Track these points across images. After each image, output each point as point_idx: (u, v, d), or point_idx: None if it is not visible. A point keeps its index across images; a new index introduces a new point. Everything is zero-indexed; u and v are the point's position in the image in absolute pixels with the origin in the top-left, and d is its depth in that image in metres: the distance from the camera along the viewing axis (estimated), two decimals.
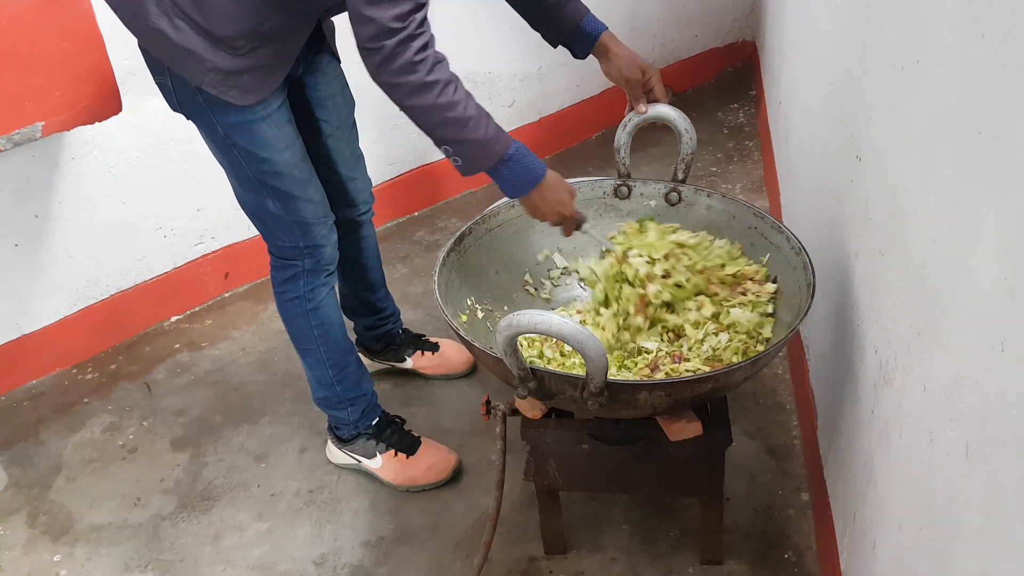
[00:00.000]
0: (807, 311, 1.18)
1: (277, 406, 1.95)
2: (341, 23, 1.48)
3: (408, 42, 1.12)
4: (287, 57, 1.33)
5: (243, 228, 2.30)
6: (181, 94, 1.32)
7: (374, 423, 1.70)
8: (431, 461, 1.68)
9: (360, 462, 1.71)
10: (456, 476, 1.70)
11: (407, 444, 1.70)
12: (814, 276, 1.24)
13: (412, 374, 1.97)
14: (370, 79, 1.19)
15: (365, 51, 1.15)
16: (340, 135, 1.58)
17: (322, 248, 1.51)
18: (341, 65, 1.55)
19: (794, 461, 1.66)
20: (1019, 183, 0.69)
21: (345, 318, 1.72)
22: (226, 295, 2.34)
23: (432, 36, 1.17)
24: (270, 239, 1.51)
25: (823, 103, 1.66)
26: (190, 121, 1.38)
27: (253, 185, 1.42)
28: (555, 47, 1.48)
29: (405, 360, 1.94)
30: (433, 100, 1.15)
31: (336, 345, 1.61)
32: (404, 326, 1.96)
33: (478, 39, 2.53)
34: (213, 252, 2.29)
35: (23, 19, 1.55)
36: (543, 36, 1.47)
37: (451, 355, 1.95)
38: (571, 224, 1.34)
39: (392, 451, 1.69)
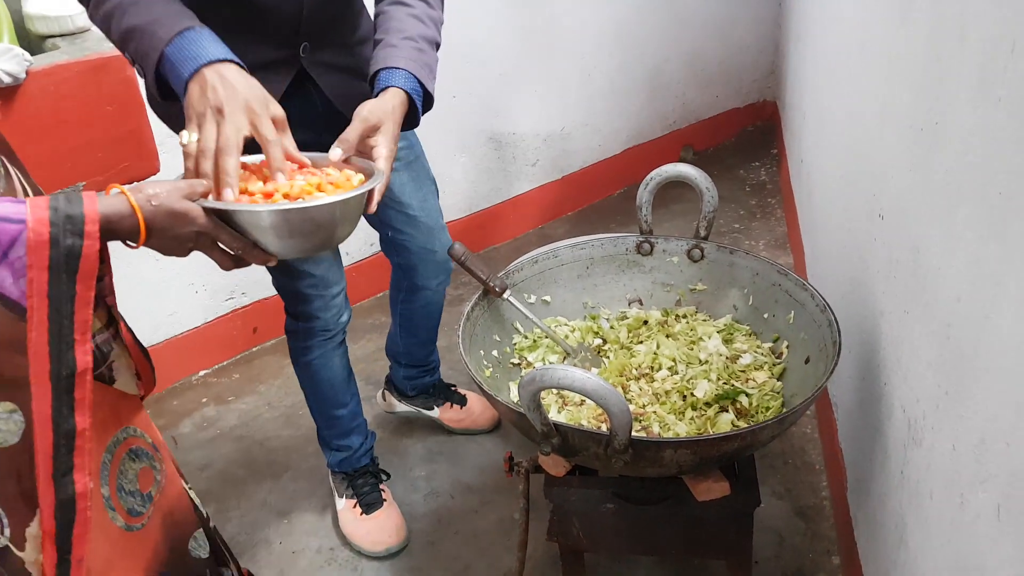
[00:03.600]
0: (833, 369, 1.17)
1: (300, 461, 1.96)
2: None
3: None
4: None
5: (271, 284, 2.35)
6: None
7: (355, 469, 1.72)
8: (372, 529, 1.67)
9: (334, 494, 1.77)
10: (391, 555, 1.66)
11: (368, 502, 1.70)
12: (839, 334, 1.23)
13: (436, 425, 1.97)
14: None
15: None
16: (411, 212, 1.52)
17: (316, 318, 1.50)
18: (415, 139, 1.48)
19: (824, 523, 1.62)
20: None
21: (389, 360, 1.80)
22: (254, 349, 2.37)
23: None
24: (277, 291, 1.55)
25: (844, 162, 1.68)
26: None
27: None
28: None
29: (433, 409, 1.95)
30: (98, 19, 1.01)
31: (323, 401, 1.64)
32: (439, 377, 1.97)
33: (504, 102, 2.60)
34: (243, 307, 2.33)
35: (70, 84, 1.63)
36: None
37: (477, 410, 1.95)
38: (242, 119, 0.91)
39: (355, 501, 1.71)
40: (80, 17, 1.58)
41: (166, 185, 0.85)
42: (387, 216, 1.55)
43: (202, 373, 2.30)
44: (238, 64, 0.95)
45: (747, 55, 3.12)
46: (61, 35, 1.56)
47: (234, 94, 0.90)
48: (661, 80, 2.94)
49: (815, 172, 2.11)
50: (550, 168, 2.82)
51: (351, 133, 1.06)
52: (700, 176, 1.47)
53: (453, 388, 1.97)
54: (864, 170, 1.46)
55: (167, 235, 0.86)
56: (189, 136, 0.91)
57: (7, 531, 0.81)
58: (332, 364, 1.61)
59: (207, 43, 0.93)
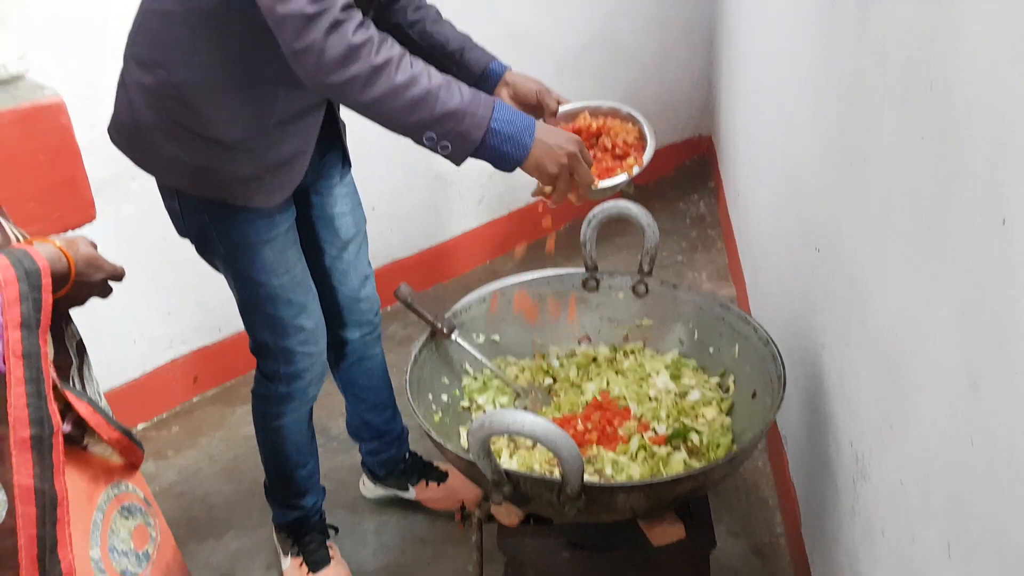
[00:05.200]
0: (779, 404, 1.18)
1: (243, 518, 1.87)
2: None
3: (338, 27, 0.99)
4: (304, 147, 1.28)
5: (213, 330, 2.27)
6: (188, 217, 1.31)
7: (302, 526, 1.65)
8: None
9: (279, 552, 1.69)
10: None
11: (315, 560, 1.62)
12: (784, 367, 1.24)
13: (416, 506, 1.80)
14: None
15: (297, 58, 1.01)
16: (346, 256, 1.51)
17: (300, 379, 1.46)
18: (352, 173, 1.51)
19: (780, 560, 1.61)
20: (968, 277, 0.71)
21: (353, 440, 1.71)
22: (194, 400, 2.29)
23: (367, 20, 1.04)
24: (257, 356, 1.48)
25: (779, 195, 1.71)
26: (196, 243, 1.36)
27: (247, 309, 1.40)
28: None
29: (408, 489, 1.78)
30: (391, 82, 1.02)
31: (284, 462, 1.57)
32: (411, 450, 1.80)
33: None
34: (182, 356, 2.24)
35: (4, 131, 1.56)
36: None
37: (459, 488, 1.75)
38: (581, 168, 1.15)
39: (300, 559, 1.63)
40: (13, 64, 1.51)
41: (73, 238, 0.91)
42: (324, 255, 1.50)
43: (140, 427, 2.20)
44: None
45: (681, 92, 3.19)
46: None
47: (567, 144, 1.14)
48: None
49: (752, 205, 2.16)
50: (496, 204, 2.83)
51: (555, 96, 1.36)
52: (641, 213, 1.49)
53: (433, 465, 1.79)
54: (798, 203, 1.49)
55: (83, 280, 0.90)
56: (546, 188, 1.18)
57: None
58: (301, 427, 1.55)
59: (513, 111, 1.11)
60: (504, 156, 1.10)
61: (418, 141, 1.09)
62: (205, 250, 1.37)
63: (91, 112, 1.86)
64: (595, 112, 1.38)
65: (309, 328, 1.42)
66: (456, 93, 1.06)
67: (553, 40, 2.71)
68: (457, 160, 1.11)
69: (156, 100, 1.21)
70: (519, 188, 2.88)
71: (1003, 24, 0.64)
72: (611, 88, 2.97)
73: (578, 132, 1.35)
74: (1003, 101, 0.64)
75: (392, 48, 1.04)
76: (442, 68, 1.34)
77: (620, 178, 1.26)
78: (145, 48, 1.22)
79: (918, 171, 0.84)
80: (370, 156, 2.19)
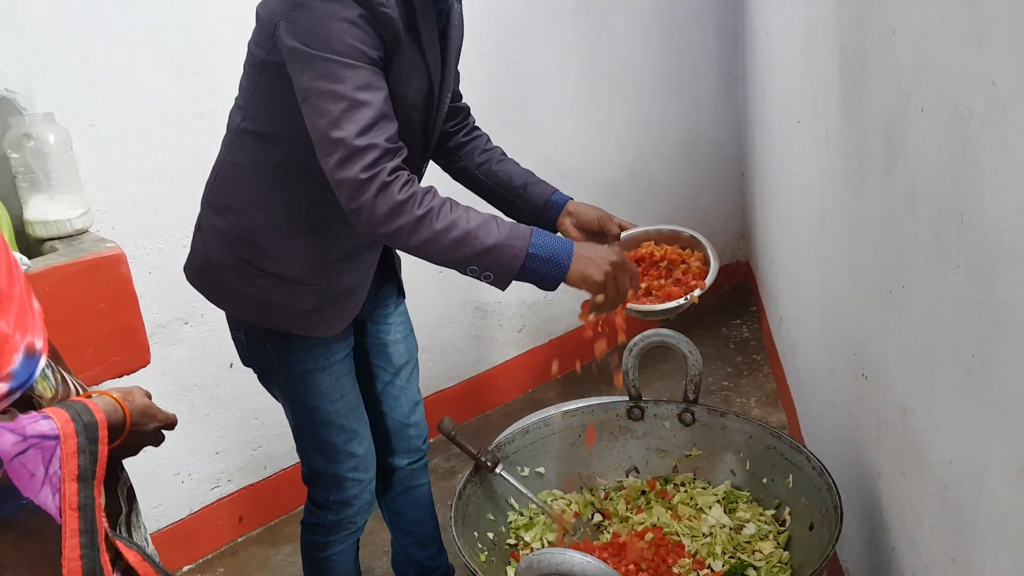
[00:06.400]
0: (837, 536, 1.13)
1: None
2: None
3: (385, 189, 1.12)
4: (362, 281, 1.37)
5: (259, 469, 2.29)
6: (252, 345, 1.38)
7: None
8: None
9: None
10: None
11: None
12: (840, 498, 1.21)
13: None
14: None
15: (353, 214, 1.14)
16: (398, 382, 1.57)
17: (349, 506, 1.48)
18: (406, 302, 1.59)
19: None
20: (1020, 408, 0.71)
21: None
22: (239, 540, 2.27)
23: (414, 178, 1.16)
24: (308, 484, 1.50)
25: (821, 320, 1.72)
26: (258, 371, 1.42)
27: (300, 434, 1.44)
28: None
29: None
30: (432, 229, 1.14)
31: None
32: None
33: None
34: (229, 495, 2.25)
35: (65, 284, 1.67)
36: (515, 218, 1.49)
37: None
38: (626, 276, 1.22)
39: None
40: (78, 220, 1.65)
41: (129, 388, 0.96)
42: (377, 380, 1.55)
43: (186, 569, 2.18)
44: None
45: (716, 222, 3.28)
46: (59, 237, 1.63)
47: (607, 254, 1.21)
48: None
49: (795, 329, 2.15)
50: (536, 333, 2.87)
51: (616, 221, 1.44)
52: (682, 341, 1.50)
53: None
54: (840, 329, 1.49)
55: (136, 431, 0.93)
56: (598, 297, 1.21)
57: None
58: (347, 560, 1.54)
59: (550, 236, 1.20)
60: (545, 276, 1.19)
61: (463, 273, 1.19)
62: (266, 377, 1.43)
63: (148, 261, 1.99)
64: (658, 238, 1.44)
65: (360, 454, 1.45)
66: (494, 230, 1.16)
67: (588, 176, 2.84)
68: (501, 286, 1.20)
69: (228, 241, 1.31)
70: (558, 317, 2.92)
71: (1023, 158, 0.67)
72: (645, 221, 3.06)
73: (641, 260, 1.43)
74: None
75: (433, 200, 1.15)
76: (508, 203, 1.48)
77: (678, 301, 1.30)
78: (220, 195, 1.33)
79: (957, 300, 0.84)
80: (413, 289, 2.27)
